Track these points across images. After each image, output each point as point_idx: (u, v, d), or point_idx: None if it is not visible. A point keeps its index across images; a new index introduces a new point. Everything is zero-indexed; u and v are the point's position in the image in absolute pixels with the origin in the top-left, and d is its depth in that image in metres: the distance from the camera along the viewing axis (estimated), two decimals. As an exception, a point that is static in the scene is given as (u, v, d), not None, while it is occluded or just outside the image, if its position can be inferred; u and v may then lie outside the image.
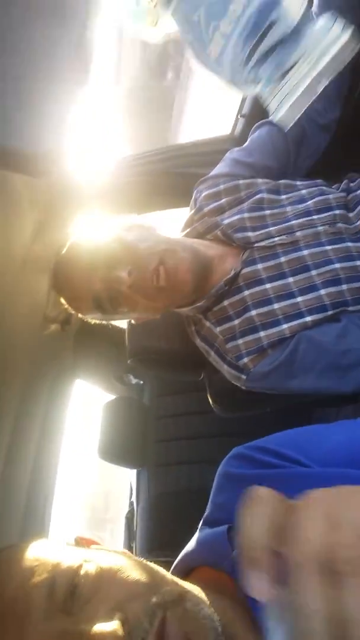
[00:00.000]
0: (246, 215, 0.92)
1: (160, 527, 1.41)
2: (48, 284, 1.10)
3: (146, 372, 1.40)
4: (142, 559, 0.48)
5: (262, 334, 0.85)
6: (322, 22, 0.56)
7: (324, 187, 0.94)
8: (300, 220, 0.89)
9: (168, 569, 0.49)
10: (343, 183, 0.96)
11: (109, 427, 1.58)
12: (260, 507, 0.27)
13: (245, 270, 0.88)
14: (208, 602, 0.42)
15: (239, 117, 1.21)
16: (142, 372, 1.65)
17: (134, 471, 1.64)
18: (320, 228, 0.87)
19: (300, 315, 0.83)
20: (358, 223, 0.88)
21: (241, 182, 0.98)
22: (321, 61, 0.56)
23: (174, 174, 1.23)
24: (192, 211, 1.01)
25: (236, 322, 0.88)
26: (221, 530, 0.51)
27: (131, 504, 1.68)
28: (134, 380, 1.74)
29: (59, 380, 1.40)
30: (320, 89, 0.58)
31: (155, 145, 1.29)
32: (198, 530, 0.56)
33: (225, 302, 0.90)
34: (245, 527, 0.27)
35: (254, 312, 0.86)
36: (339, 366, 0.80)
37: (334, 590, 0.24)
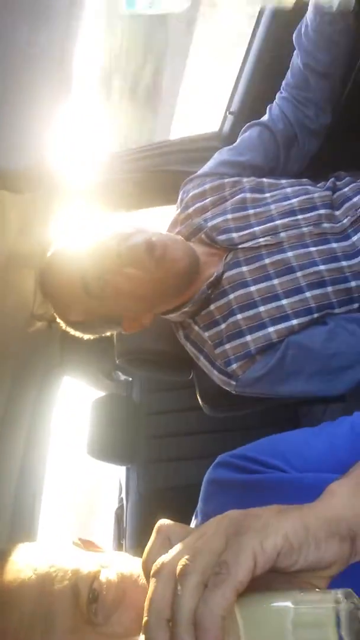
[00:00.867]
0: (229, 216, 0.92)
1: (151, 524, 1.41)
2: (34, 281, 1.09)
3: (135, 372, 1.39)
4: None
5: (248, 338, 0.84)
6: None
7: (309, 187, 0.94)
8: (285, 221, 0.88)
9: None
10: (329, 181, 0.95)
11: (98, 425, 1.58)
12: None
13: (229, 273, 0.88)
14: None
15: (227, 114, 1.21)
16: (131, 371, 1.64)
17: (123, 468, 1.64)
18: (305, 229, 0.87)
19: (286, 318, 0.83)
20: (345, 221, 0.88)
21: (226, 180, 0.98)
22: None
23: (160, 171, 1.22)
24: (178, 210, 1.01)
25: (223, 326, 0.87)
26: None
27: (121, 500, 1.68)
28: (122, 377, 1.74)
29: (46, 378, 1.39)
30: None
31: (142, 142, 1.28)
32: None
33: (212, 307, 0.89)
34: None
35: (239, 316, 0.85)
36: (328, 370, 0.81)
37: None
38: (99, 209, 1.26)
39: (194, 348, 0.93)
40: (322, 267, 0.83)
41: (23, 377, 1.25)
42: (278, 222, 0.88)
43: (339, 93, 1.00)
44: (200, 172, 1.03)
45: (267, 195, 0.93)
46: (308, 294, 0.83)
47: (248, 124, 1.04)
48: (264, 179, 0.97)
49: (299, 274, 0.84)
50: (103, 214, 1.26)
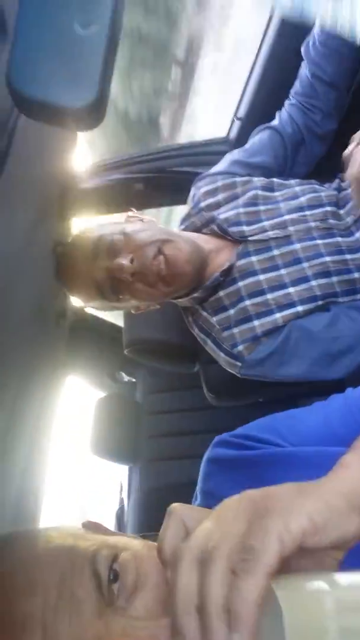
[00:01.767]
0: (241, 210, 0.96)
1: (152, 521, 1.42)
2: (44, 278, 1.11)
3: (142, 362, 1.42)
4: None
5: (256, 323, 0.88)
6: None
7: (316, 186, 0.99)
8: (293, 216, 0.93)
9: None
10: (335, 182, 1.00)
11: (102, 424, 1.59)
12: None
13: (240, 262, 0.92)
14: None
15: (235, 119, 1.25)
16: (135, 368, 1.67)
17: (124, 468, 1.65)
18: (312, 224, 0.91)
19: (292, 304, 0.87)
20: (348, 219, 0.92)
21: (238, 179, 1.02)
22: None
23: (170, 172, 1.26)
24: (190, 206, 1.05)
25: (231, 311, 0.91)
26: None
27: (121, 500, 1.68)
28: (126, 378, 1.76)
29: (52, 378, 1.41)
30: None
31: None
32: None
33: (221, 293, 0.93)
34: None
35: (248, 302, 0.89)
36: (329, 353, 0.84)
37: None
38: (110, 209, 1.30)
39: (202, 333, 0.96)
40: (327, 259, 0.87)
41: (30, 376, 1.27)
42: (287, 217, 0.93)
43: (345, 100, 1.06)
44: (212, 170, 1.07)
45: (277, 194, 0.98)
46: (314, 283, 0.87)
47: (258, 127, 1.09)
48: (274, 179, 1.01)
49: (305, 264, 0.88)
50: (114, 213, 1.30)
